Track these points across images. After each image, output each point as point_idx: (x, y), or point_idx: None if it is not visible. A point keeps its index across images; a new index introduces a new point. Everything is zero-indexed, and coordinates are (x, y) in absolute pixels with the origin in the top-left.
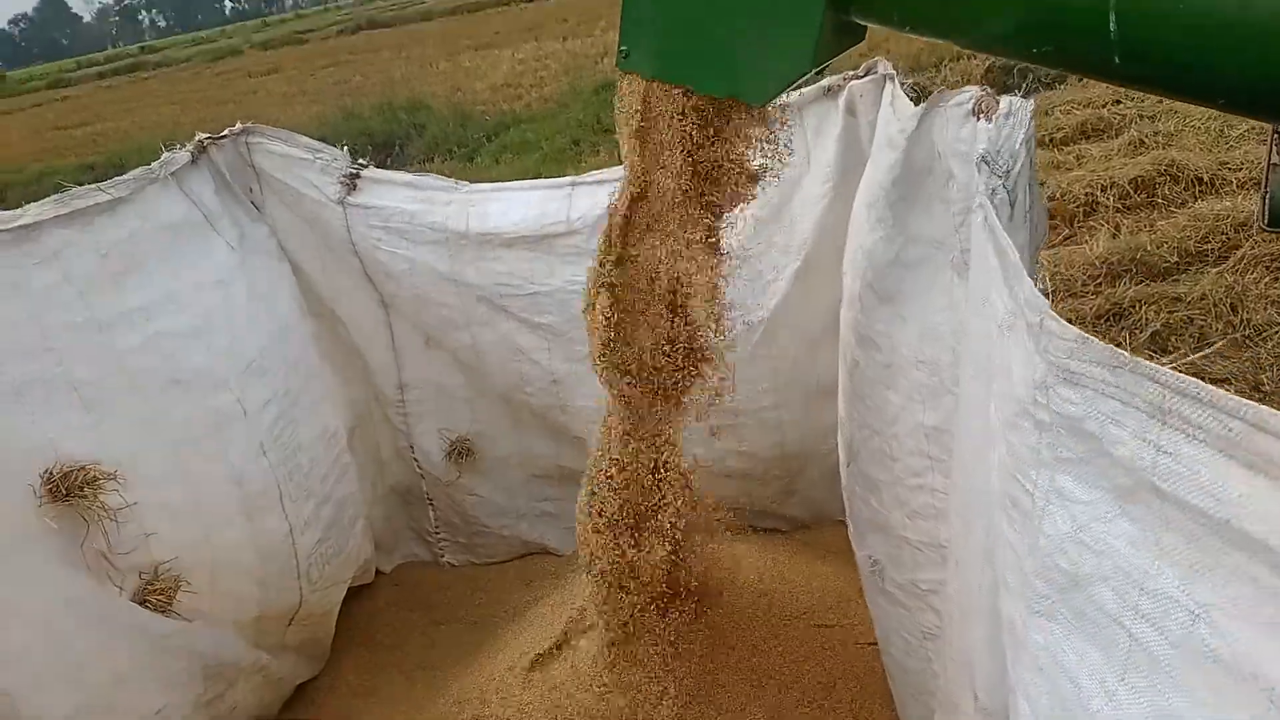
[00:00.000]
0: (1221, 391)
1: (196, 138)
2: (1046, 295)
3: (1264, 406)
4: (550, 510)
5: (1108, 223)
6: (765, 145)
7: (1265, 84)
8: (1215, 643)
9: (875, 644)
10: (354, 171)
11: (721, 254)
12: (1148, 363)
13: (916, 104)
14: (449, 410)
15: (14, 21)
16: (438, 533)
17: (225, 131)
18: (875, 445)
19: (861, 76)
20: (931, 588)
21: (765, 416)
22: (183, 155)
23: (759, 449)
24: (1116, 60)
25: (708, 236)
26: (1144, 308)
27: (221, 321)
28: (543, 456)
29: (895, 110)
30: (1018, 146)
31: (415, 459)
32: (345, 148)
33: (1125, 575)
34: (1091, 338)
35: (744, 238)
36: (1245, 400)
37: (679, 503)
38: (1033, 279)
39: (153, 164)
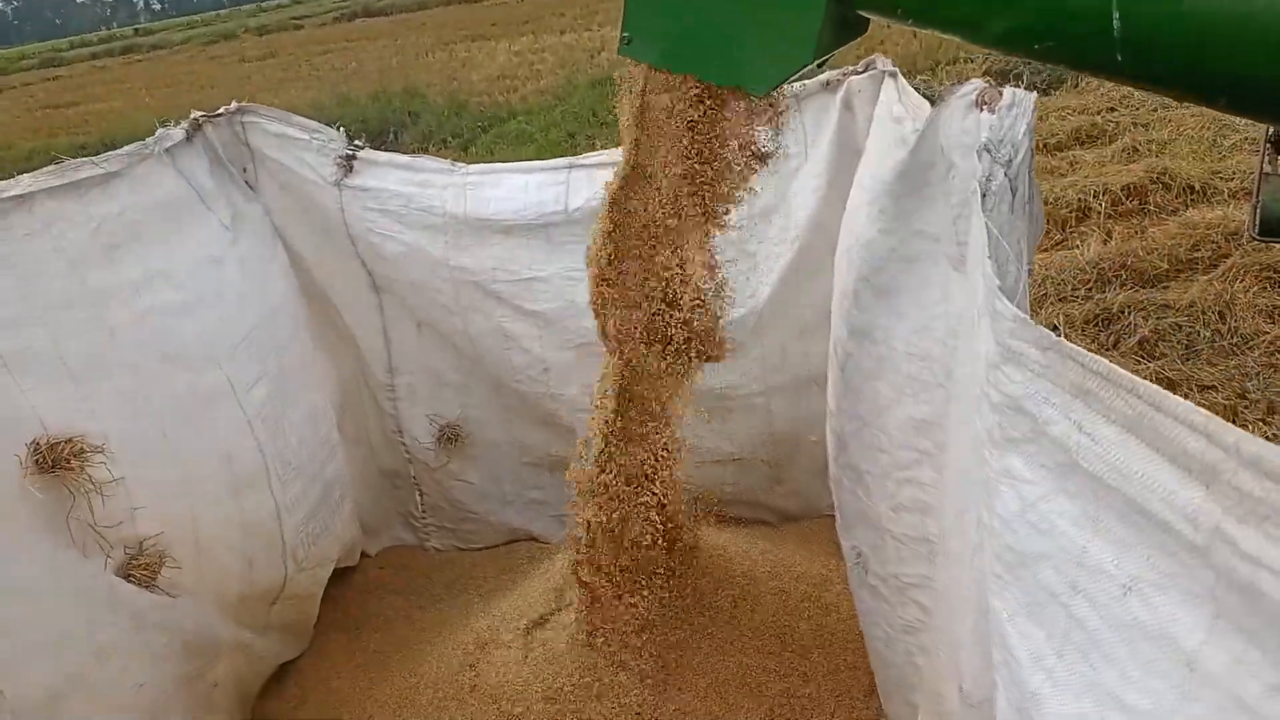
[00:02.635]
0: (1126, 372)
1: (192, 115)
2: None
3: (1161, 389)
4: (538, 498)
5: (1099, 228)
6: (763, 136)
7: (1267, 84)
8: (1144, 615)
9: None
10: (350, 153)
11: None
12: (1070, 344)
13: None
14: (439, 395)
15: (7, 0)
16: (424, 517)
17: (220, 110)
18: (865, 438)
19: (861, 72)
20: (914, 581)
21: (754, 402)
22: (177, 132)
23: (747, 434)
24: (1119, 57)
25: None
26: (1133, 313)
27: (213, 299)
28: (532, 444)
29: (908, 107)
30: (1020, 136)
31: (404, 443)
32: (340, 129)
33: (1065, 552)
34: (1027, 318)
35: (741, 228)
36: (1146, 382)
37: (668, 474)
38: (1028, 271)
39: (147, 140)
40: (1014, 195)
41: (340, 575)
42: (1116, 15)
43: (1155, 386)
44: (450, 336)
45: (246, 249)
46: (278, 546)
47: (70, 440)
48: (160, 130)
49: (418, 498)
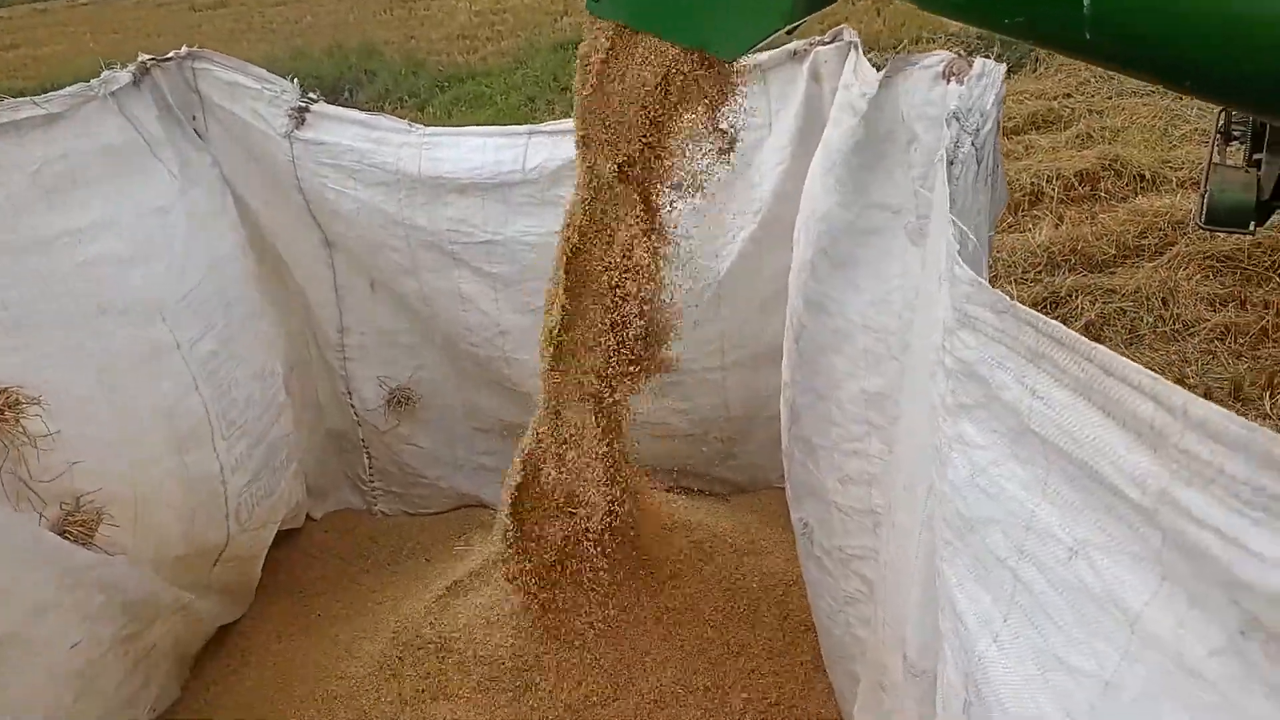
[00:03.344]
0: (1079, 336)
1: (139, 58)
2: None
3: (1113, 352)
4: (488, 464)
5: (1051, 213)
6: (726, 106)
7: (1234, 68)
8: (1089, 578)
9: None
10: (303, 105)
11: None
12: (1025, 308)
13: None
14: (390, 357)
15: None
16: (372, 481)
17: (170, 54)
18: (818, 410)
19: (828, 43)
20: (858, 554)
21: (710, 378)
22: (124, 75)
23: (701, 409)
24: (1087, 35)
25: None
26: (1080, 297)
27: (159, 250)
28: (484, 409)
29: (858, 75)
30: (989, 106)
31: (353, 405)
32: (293, 79)
33: (1014, 516)
34: (984, 282)
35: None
36: (1097, 345)
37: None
38: (989, 240)
39: (91, 82)
40: (979, 165)
41: (284, 538)
42: None
43: (1107, 350)
44: (404, 296)
45: (195, 200)
46: (220, 507)
47: (5, 391)
48: (106, 73)
49: (366, 461)
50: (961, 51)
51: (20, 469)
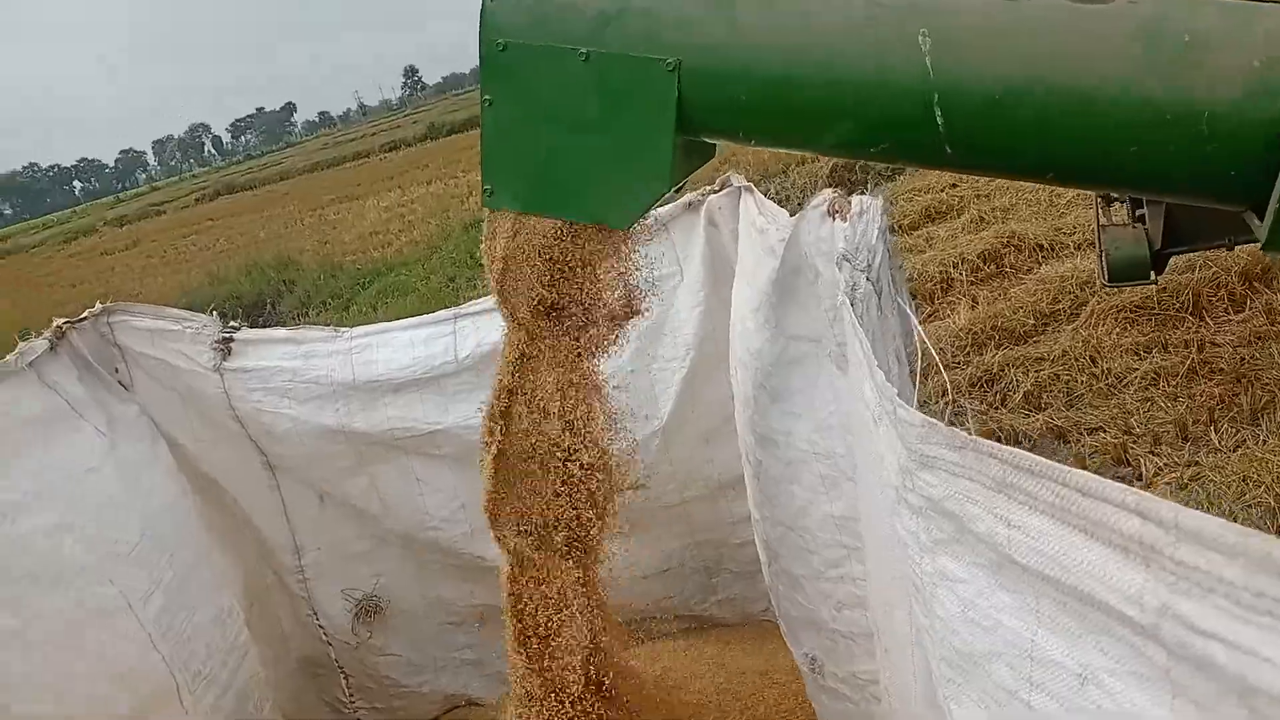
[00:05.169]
0: (1048, 461)
1: (54, 324)
2: (914, 374)
3: (1088, 473)
4: (470, 658)
5: (965, 295)
6: (630, 266)
7: (1087, 159)
8: (1106, 703)
9: None
10: (227, 335)
11: (600, 390)
12: (986, 441)
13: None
14: (350, 567)
15: None
16: (353, 701)
17: (84, 314)
18: (791, 541)
19: (718, 191)
20: (872, 678)
21: (674, 512)
22: (40, 343)
23: (670, 540)
24: (948, 149)
25: (584, 370)
26: (1012, 370)
27: (94, 511)
28: (454, 600)
29: (769, 217)
30: (874, 240)
31: (320, 625)
32: (215, 313)
33: (1014, 647)
34: (936, 422)
35: (628, 356)
36: (1072, 468)
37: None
38: (911, 364)
39: (7, 357)
40: (879, 296)
41: None
42: (939, 113)
43: (1081, 472)
44: (355, 500)
45: (125, 454)
46: None
47: None
48: (22, 345)
49: (343, 682)
50: (845, 166)
51: None
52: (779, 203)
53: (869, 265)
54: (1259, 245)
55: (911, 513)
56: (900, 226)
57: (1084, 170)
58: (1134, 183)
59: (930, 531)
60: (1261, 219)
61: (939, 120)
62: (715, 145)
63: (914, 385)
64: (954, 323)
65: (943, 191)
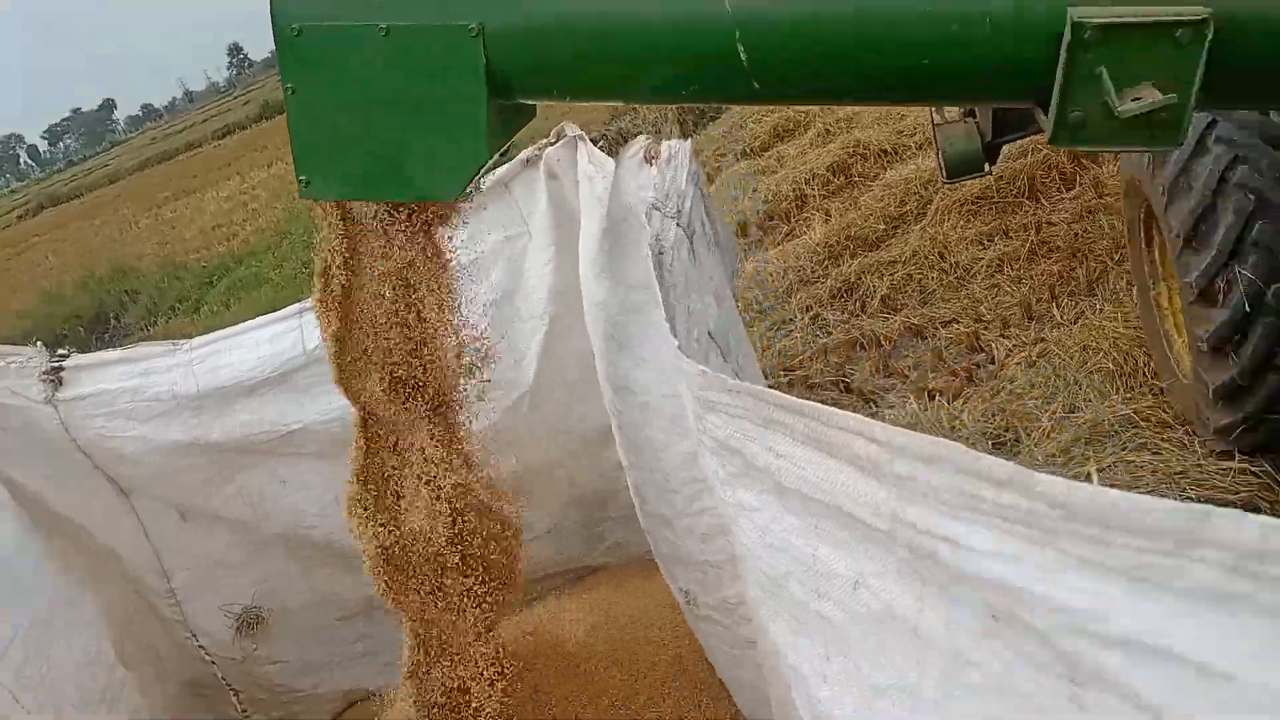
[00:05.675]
0: (797, 400)
1: None
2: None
3: (823, 405)
4: (363, 649)
5: (819, 210)
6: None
7: (883, 77)
8: (874, 603)
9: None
10: (56, 365)
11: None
12: (746, 384)
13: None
14: (225, 581)
15: None
16: (246, 715)
17: None
18: (656, 483)
19: (554, 143)
20: (740, 599)
21: (552, 471)
22: None
23: (552, 500)
24: (755, 84)
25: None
26: (869, 276)
27: None
28: (340, 595)
29: (596, 167)
30: (684, 185)
31: (201, 646)
32: (38, 343)
33: (802, 564)
34: (709, 370)
35: (487, 324)
36: (812, 403)
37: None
38: (735, 299)
39: None
40: (692, 240)
41: None
42: (742, 51)
43: (817, 405)
44: (221, 511)
45: None
46: None
47: None
48: None
49: (234, 699)
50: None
51: None
52: (628, 140)
53: (679, 210)
54: (1046, 138)
55: (709, 452)
56: (751, 150)
57: (883, 88)
58: (930, 92)
59: (726, 467)
60: (1047, 114)
61: (742, 56)
62: (534, 106)
63: (736, 313)
64: (810, 239)
65: (788, 110)
